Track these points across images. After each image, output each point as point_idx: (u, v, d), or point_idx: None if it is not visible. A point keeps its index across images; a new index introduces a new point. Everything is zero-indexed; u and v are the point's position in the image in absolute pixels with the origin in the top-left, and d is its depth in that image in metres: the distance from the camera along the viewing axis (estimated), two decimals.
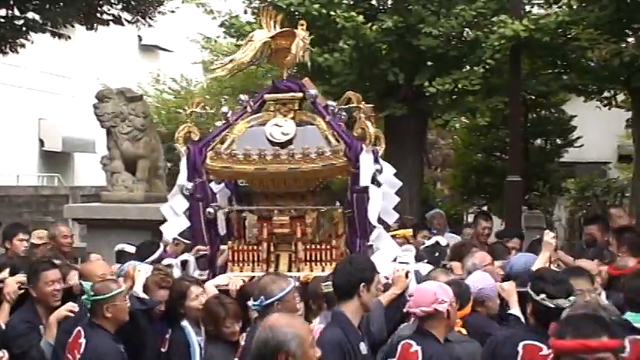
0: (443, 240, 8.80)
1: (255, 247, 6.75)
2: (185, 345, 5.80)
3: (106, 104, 10.94)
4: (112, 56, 28.04)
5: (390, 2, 14.16)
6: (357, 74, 13.90)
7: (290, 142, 6.61)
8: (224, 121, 6.87)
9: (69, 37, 15.20)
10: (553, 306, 4.88)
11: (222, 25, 14.98)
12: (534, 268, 6.36)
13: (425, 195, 17.41)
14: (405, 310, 5.21)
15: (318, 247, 6.67)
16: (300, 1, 13.12)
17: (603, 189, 17.03)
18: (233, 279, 6.43)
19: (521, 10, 13.22)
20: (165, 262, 6.85)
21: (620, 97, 15.11)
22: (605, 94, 14.57)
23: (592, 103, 15.39)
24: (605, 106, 14.85)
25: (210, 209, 6.71)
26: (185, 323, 5.89)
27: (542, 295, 4.96)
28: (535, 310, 5.03)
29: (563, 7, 13.26)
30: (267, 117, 6.90)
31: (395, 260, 6.65)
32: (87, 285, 5.65)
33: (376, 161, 6.75)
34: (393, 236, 7.35)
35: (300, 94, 6.88)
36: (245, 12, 14.83)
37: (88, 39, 21.60)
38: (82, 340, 5.39)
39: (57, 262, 6.91)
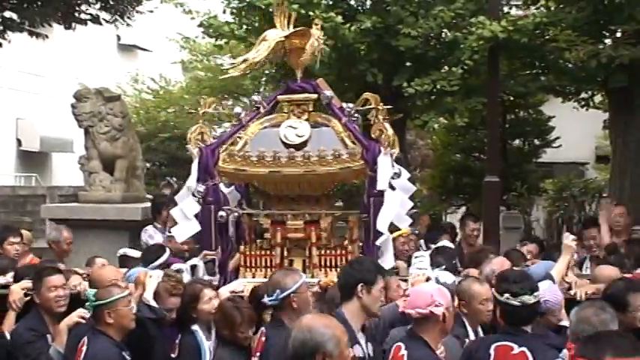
0: (449, 243, 8.67)
1: (268, 252, 6.60)
2: (196, 349, 5.67)
3: (84, 104, 10.88)
4: (91, 56, 27.90)
5: (368, 3, 14.19)
6: (335, 74, 13.90)
7: (304, 144, 6.48)
8: (237, 122, 6.74)
9: (47, 37, 15.10)
10: (518, 304, 4.89)
11: (200, 25, 14.94)
12: (554, 273, 6.19)
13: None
14: (400, 309, 5.10)
15: (333, 252, 6.53)
16: (279, 1, 13.08)
17: (581, 189, 17.09)
18: (248, 285, 6.28)
19: (499, 11, 13.27)
20: (175, 266, 6.62)
21: (598, 98, 15.19)
22: (583, 95, 14.64)
23: (570, 104, 15.47)
24: (582, 107, 14.92)
25: (222, 213, 6.58)
26: (196, 327, 5.75)
27: (507, 295, 4.98)
28: (502, 311, 5.05)
29: (541, 8, 13.38)
30: (280, 118, 6.78)
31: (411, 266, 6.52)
32: (91, 292, 5.52)
33: (393, 165, 6.57)
34: (395, 238, 7.17)
35: (314, 95, 6.73)
36: (224, 12, 14.78)
37: (66, 38, 21.50)
38: (84, 348, 5.24)
39: (62, 267, 6.83)
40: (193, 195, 6.59)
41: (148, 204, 10.47)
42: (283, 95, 6.81)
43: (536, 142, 19.33)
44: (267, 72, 16.60)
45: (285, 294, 5.15)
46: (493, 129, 13.64)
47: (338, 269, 6.30)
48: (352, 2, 14.46)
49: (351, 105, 6.71)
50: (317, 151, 6.33)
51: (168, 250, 7.43)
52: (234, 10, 14.57)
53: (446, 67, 13.48)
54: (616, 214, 9.50)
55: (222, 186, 6.96)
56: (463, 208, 18.04)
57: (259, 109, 6.76)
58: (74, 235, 9.16)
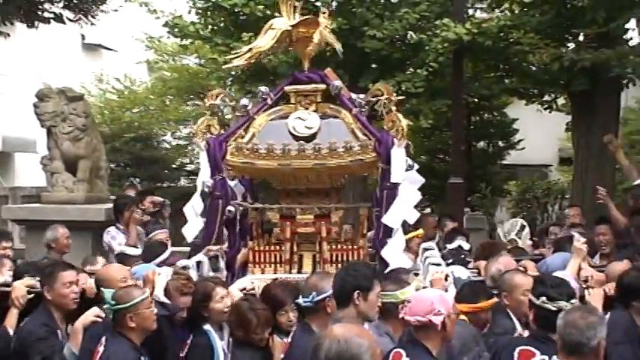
0: (466, 244, 8.65)
1: (277, 248, 6.43)
2: (209, 350, 5.44)
3: (47, 103, 10.76)
4: (54, 55, 27.59)
5: (334, 4, 14.19)
6: None
7: (314, 136, 6.29)
8: (244, 114, 6.52)
9: (9, 35, 14.93)
10: (554, 308, 4.75)
11: (165, 25, 14.87)
12: (565, 274, 5.95)
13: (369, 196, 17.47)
14: (400, 316, 4.82)
15: (344, 247, 6.37)
16: (245, 2, 13.10)
17: (544, 191, 17.30)
18: (256, 282, 6.08)
19: (464, 14, 13.38)
20: (181, 263, 6.41)
21: (561, 100, 15.37)
22: (546, 97, 14.81)
23: (533, 107, 15.64)
24: (545, 109, 15.08)
25: (230, 208, 6.42)
26: (208, 327, 5.52)
27: (543, 298, 4.88)
28: (536, 315, 4.92)
29: (506, 11, 13.50)
30: (288, 109, 6.56)
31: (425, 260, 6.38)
32: (108, 292, 5.34)
33: (406, 157, 6.40)
34: (409, 240, 6.96)
35: (323, 86, 6.52)
36: (189, 12, 14.72)
37: (29, 37, 21.25)
38: (101, 348, 5.05)
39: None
40: (202, 190, 6.42)
41: (112, 205, 10.39)
42: (290, 86, 6.58)
43: (501, 144, 19.50)
44: (232, 73, 16.56)
45: (320, 297, 5.01)
46: (457, 131, 13.74)
47: None
48: (318, 3, 14.45)
49: (361, 96, 6.54)
50: (328, 143, 6.16)
51: (169, 247, 7.32)
52: (200, 11, 14.52)
53: (411, 69, 13.57)
54: (573, 215, 9.63)
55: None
56: (428, 210, 18.11)
57: (266, 101, 6.55)
58: (35, 237, 9.06)
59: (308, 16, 6.70)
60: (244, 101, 6.58)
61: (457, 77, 13.10)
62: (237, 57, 6.69)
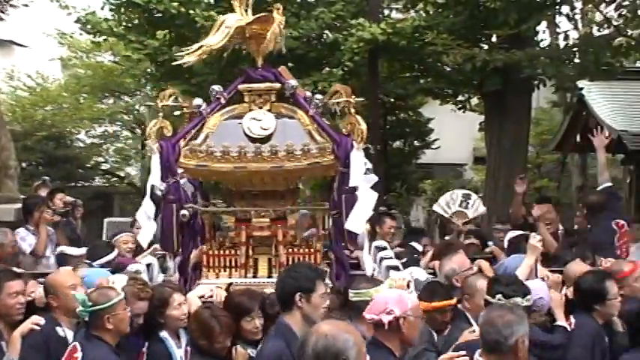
0: (418, 245, 8.60)
1: (231, 252, 6.22)
2: (167, 358, 5.23)
3: None
4: None
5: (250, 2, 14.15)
6: (217, 73, 13.83)
7: (269, 137, 6.07)
8: (197, 115, 6.24)
9: None
10: (509, 306, 4.65)
11: (77, 21, 14.58)
12: (519, 273, 5.94)
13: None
14: (363, 313, 4.68)
15: (300, 250, 6.22)
16: None
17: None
18: (215, 290, 5.81)
19: (379, 14, 13.49)
20: (133, 267, 6.12)
21: (474, 100, 15.64)
22: (460, 97, 15.04)
23: (448, 107, 15.87)
24: (459, 109, 15.34)
25: (184, 212, 6.13)
26: (165, 334, 5.28)
27: (499, 297, 4.91)
28: None
29: (420, 12, 13.66)
30: (241, 109, 6.30)
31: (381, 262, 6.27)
32: (80, 295, 5.04)
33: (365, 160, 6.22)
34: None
35: (278, 85, 6.27)
36: (102, 8, 14.48)
37: None
38: (79, 354, 4.80)
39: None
40: (152, 193, 6.14)
41: (20, 205, 10.15)
42: (243, 84, 6.30)
43: (416, 143, 19.71)
44: (148, 70, 16.39)
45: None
46: (373, 130, 13.80)
47: None
48: (233, 1, 14.39)
49: (319, 97, 6.30)
50: (285, 145, 5.96)
51: (116, 248, 7.13)
52: (113, 7, 14.30)
53: (327, 68, 13.60)
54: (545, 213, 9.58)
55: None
56: None
57: (219, 100, 6.28)
58: None
59: (263, 13, 6.43)
60: (198, 101, 6.30)
61: (373, 77, 13.21)
62: (187, 53, 6.52)
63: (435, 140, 19.59)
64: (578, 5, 13.94)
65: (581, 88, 14.45)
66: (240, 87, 6.30)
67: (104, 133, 27.10)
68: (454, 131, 20.46)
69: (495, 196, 13.08)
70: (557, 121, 19.20)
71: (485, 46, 13.49)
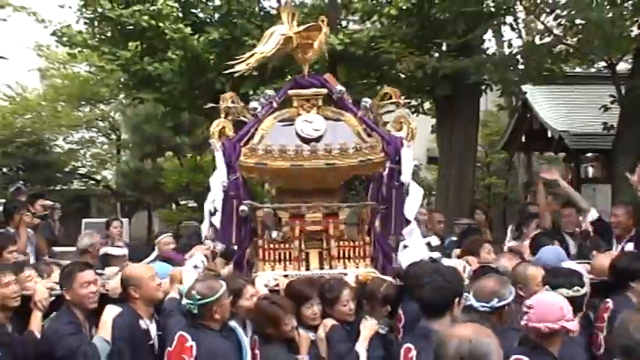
0: (434, 239, 8.57)
1: (285, 246, 6.18)
2: (236, 345, 5.18)
3: None
4: None
5: (216, 15, 14.12)
6: (186, 83, 13.82)
7: (320, 137, 6.08)
8: (253, 117, 6.22)
9: None
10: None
11: (54, 34, 14.47)
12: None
13: (254, 196, 17.47)
14: (522, 323, 4.39)
15: (350, 243, 6.19)
16: (131, 12, 12.90)
17: None
18: (280, 279, 5.85)
19: (337, 25, 13.49)
20: (192, 262, 5.94)
21: (427, 105, 15.72)
22: (413, 102, 15.08)
23: (403, 111, 15.88)
24: (413, 113, 15.36)
25: (243, 207, 6.09)
26: (234, 324, 5.25)
27: (546, 287, 4.94)
28: None
29: (376, 23, 13.68)
30: (291, 112, 6.32)
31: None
32: (182, 288, 5.14)
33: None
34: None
35: (324, 90, 6.31)
36: (77, 22, 14.36)
37: None
38: (191, 343, 4.81)
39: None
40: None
41: (1, 208, 10.02)
42: (293, 90, 6.34)
43: None
44: (121, 79, 16.28)
45: (501, 304, 4.69)
46: None
47: (356, 260, 6.11)
48: (201, 15, 14.36)
49: (367, 99, 6.36)
50: (339, 144, 5.96)
51: (156, 249, 7.08)
52: (87, 21, 14.19)
53: (289, 76, 13.56)
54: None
55: None
56: None
57: (272, 104, 6.28)
58: None
59: (313, 23, 6.44)
60: (254, 104, 6.29)
61: None
62: (239, 62, 6.45)
63: None
64: (521, 16, 14.17)
65: (525, 92, 14.58)
66: (290, 92, 6.30)
67: (81, 139, 27.00)
68: None
69: (447, 194, 13.17)
70: (503, 123, 19.36)
71: (436, 54, 13.61)
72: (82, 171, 26.95)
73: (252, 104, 6.28)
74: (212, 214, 6.17)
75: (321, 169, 6.01)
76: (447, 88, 13.18)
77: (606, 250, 7.06)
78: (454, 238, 9.04)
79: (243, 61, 6.33)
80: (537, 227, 8.60)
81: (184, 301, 4.98)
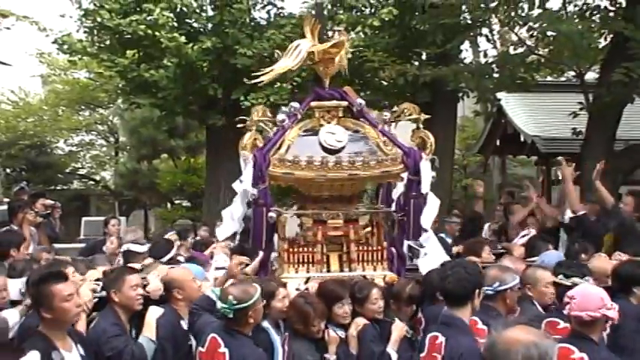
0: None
1: (306, 249, 6.20)
2: (269, 345, 5.16)
3: None
4: None
5: (210, 25, 14.17)
6: (181, 88, 13.86)
7: (342, 149, 6.12)
8: (279, 128, 6.20)
9: None
10: (569, 284, 4.92)
11: (55, 42, 14.47)
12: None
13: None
14: (565, 312, 4.49)
15: (368, 247, 6.23)
16: (128, 22, 12.95)
17: None
18: (310, 284, 5.83)
19: (323, 35, 13.54)
20: (219, 264, 6.16)
21: None
22: (395, 108, 15.14)
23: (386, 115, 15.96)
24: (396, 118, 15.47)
25: (272, 214, 6.09)
26: (266, 324, 5.24)
27: (560, 276, 5.13)
28: (557, 292, 5.10)
29: (360, 33, 13.77)
30: (313, 123, 6.34)
31: None
32: (216, 291, 5.00)
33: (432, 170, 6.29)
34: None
35: (345, 102, 6.33)
36: (77, 30, 14.39)
37: None
38: (224, 350, 4.69)
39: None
40: (247, 198, 6.12)
41: (6, 207, 10.04)
42: (315, 102, 6.36)
43: None
44: (119, 85, 16.29)
45: (503, 287, 4.92)
46: None
47: (375, 263, 6.14)
48: (195, 24, 14.41)
49: (387, 114, 6.46)
50: (362, 156, 6.03)
51: (175, 245, 7.09)
52: (87, 29, 14.22)
53: (278, 83, 13.62)
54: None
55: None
56: None
57: (296, 116, 6.26)
58: None
59: (337, 39, 6.54)
60: (281, 116, 6.25)
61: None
62: (263, 74, 6.45)
63: None
64: (496, 28, 14.28)
65: (500, 99, 14.74)
66: (312, 104, 6.31)
67: (81, 141, 27.02)
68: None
69: None
70: (479, 128, 19.52)
71: (416, 63, 13.72)
72: (82, 172, 26.96)
73: (280, 116, 6.24)
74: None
75: (342, 179, 6.07)
76: (427, 95, 13.28)
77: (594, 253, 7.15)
78: (442, 235, 9.08)
79: (267, 73, 6.37)
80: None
81: (219, 304, 4.81)
